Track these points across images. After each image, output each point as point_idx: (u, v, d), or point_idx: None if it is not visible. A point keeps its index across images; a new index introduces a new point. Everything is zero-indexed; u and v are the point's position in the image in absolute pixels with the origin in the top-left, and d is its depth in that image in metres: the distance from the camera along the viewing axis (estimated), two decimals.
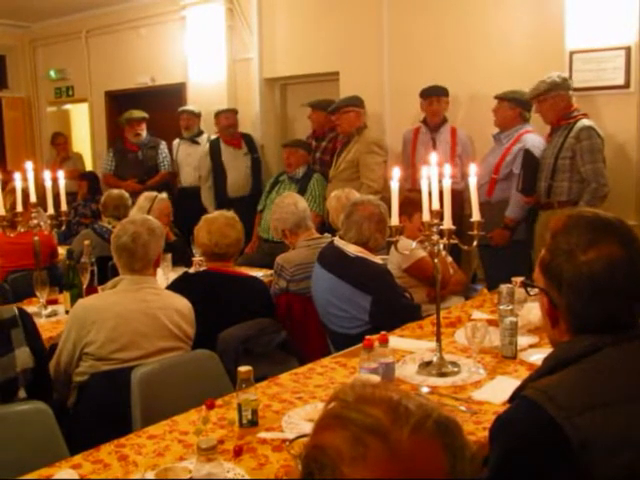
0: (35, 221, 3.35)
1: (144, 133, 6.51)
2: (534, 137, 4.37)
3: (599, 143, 3.96)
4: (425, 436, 0.84)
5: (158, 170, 6.45)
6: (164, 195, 4.70)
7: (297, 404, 2.13)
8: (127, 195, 4.78)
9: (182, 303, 2.71)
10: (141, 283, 2.64)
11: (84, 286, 3.37)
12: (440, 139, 4.92)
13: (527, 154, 4.25)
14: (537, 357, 2.38)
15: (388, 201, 2.67)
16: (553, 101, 4.09)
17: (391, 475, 0.81)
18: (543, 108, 4.16)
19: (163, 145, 6.54)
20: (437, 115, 4.93)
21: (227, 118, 6.04)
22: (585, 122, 3.99)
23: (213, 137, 6.22)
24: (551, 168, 4.07)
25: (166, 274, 3.78)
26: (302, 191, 5.02)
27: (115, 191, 4.82)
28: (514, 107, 4.43)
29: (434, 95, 4.91)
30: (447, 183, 2.31)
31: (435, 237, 2.33)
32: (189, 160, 6.35)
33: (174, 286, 3.04)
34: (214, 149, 6.06)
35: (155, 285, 2.75)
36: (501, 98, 4.48)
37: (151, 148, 6.48)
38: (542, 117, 4.22)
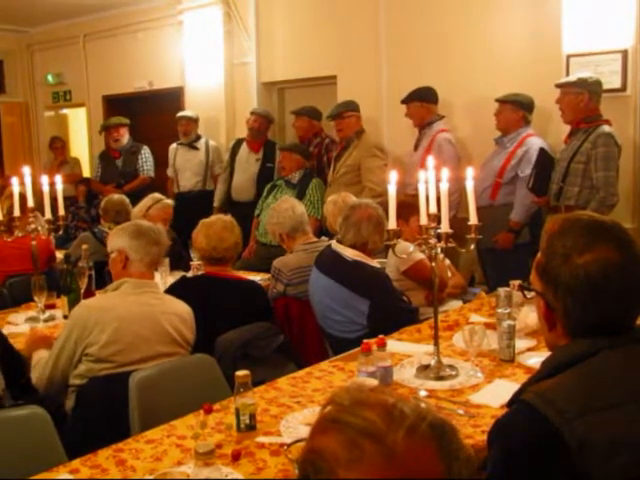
0: (33, 225, 3.36)
1: (124, 139, 6.53)
2: (538, 140, 4.36)
3: (615, 152, 3.88)
4: (420, 439, 0.84)
5: (138, 175, 6.46)
6: (170, 201, 4.69)
7: (295, 408, 2.13)
8: (127, 200, 4.78)
9: (184, 309, 2.71)
10: (143, 287, 2.64)
11: (82, 290, 3.37)
12: (421, 143, 4.92)
13: (542, 153, 4.19)
14: (535, 360, 2.38)
15: (384, 205, 2.67)
16: (574, 97, 3.98)
17: (387, 478, 0.81)
18: (563, 100, 4.05)
19: (144, 150, 6.54)
20: (412, 119, 4.95)
21: (252, 121, 5.94)
22: (605, 129, 3.92)
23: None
24: (564, 171, 4.01)
25: (164, 278, 3.78)
26: (300, 196, 5.02)
27: (116, 196, 4.83)
28: (517, 110, 4.41)
29: (404, 103, 4.93)
30: (444, 187, 2.32)
31: (433, 240, 2.34)
32: (188, 165, 6.34)
33: (172, 290, 3.04)
34: (235, 147, 6.06)
35: (156, 289, 2.75)
36: (503, 101, 4.45)
37: (132, 153, 6.50)
38: (561, 112, 4.12)
